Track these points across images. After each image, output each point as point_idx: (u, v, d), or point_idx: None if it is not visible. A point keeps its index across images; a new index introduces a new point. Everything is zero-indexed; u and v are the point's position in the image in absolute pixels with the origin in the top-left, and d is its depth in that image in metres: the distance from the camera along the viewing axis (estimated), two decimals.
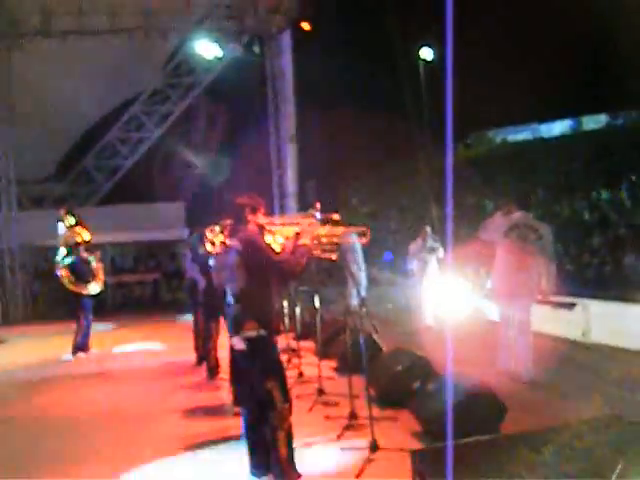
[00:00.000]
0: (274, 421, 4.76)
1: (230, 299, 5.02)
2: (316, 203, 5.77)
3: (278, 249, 5.18)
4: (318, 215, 5.67)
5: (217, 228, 7.79)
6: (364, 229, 6.05)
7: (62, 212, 12.34)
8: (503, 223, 8.18)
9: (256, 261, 4.85)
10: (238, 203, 5.17)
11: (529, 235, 7.95)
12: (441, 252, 12.60)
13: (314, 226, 5.42)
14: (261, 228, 5.17)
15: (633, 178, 19.51)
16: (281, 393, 4.80)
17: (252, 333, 4.78)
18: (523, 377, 7.89)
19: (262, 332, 4.80)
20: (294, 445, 4.95)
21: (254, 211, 5.13)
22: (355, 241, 8.37)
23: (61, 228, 12.17)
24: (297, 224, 5.37)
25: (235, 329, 4.90)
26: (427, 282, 12.59)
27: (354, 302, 10.41)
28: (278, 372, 4.93)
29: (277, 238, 5.35)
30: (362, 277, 12.05)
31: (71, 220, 12.14)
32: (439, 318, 12.14)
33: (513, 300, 8.00)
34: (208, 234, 8.20)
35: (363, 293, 11.40)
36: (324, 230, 5.63)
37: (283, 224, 5.48)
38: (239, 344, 4.85)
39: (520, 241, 7.92)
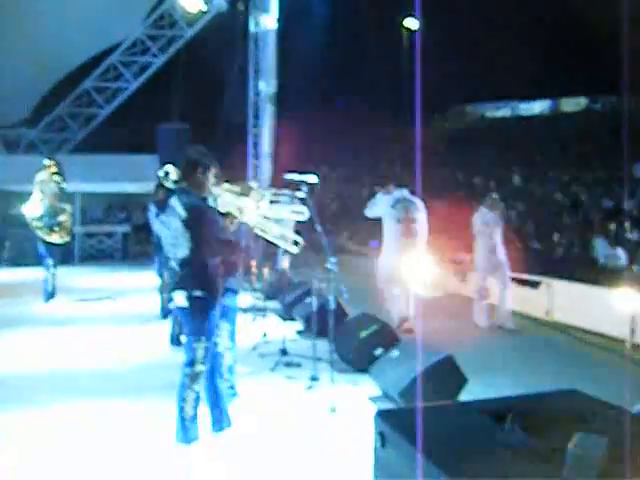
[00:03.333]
0: (186, 379, 4.63)
1: (173, 264, 4.72)
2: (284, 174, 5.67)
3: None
4: (286, 191, 5.58)
5: None
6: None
7: (48, 162, 12.39)
8: (387, 199, 9.66)
9: (199, 232, 4.60)
10: (188, 158, 4.81)
11: (410, 207, 9.41)
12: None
13: (259, 200, 5.20)
14: (207, 191, 4.87)
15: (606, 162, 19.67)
16: (204, 356, 4.65)
17: (196, 292, 4.61)
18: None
19: (206, 294, 4.64)
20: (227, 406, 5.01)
21: (205, 170, 4.77)
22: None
23: (40, 175, 12.08)
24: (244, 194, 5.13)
25: (179, 286, 4.67)
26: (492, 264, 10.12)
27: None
28: (209, 336, 4.71)
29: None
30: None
31: (54, 169, 12.16)
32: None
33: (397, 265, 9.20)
34: None
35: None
36: (270, 210, 5.33)
37: (231, 190, 5.13)
38: (181, 300, 4.65)
39: (405, 212, 9.37)
